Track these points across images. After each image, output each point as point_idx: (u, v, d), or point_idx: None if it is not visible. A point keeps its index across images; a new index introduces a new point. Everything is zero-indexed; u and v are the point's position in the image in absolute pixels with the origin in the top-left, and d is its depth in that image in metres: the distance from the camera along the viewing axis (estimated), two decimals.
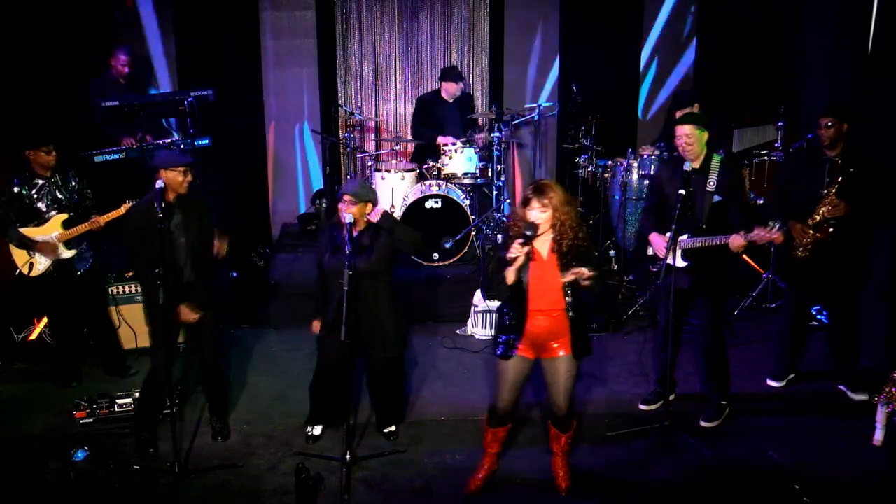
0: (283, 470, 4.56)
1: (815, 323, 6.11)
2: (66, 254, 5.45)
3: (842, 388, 5.36)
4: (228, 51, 7.70)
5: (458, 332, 6.48)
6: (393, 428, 4.94)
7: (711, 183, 4.72)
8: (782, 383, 5.50)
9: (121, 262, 6.06)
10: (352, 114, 7.87)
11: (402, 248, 4.73)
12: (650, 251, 4.97)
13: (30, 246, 5.34)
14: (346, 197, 4.49)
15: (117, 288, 5.98)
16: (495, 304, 4.31)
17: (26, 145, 5.33)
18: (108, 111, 6.17)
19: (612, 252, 7.50)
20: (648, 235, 4.95)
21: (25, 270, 5.40)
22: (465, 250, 6.97)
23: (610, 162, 7.26)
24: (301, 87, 8.12)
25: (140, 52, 7.38)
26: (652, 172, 6.85)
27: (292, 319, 6.39)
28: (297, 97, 8.15)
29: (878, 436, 4.66)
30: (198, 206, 4.74)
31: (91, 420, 5.03)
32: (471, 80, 8.28)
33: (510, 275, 3.96)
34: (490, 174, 7.22)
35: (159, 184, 4.42)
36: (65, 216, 5.42)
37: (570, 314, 4.04)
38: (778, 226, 4.50)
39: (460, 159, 7.07)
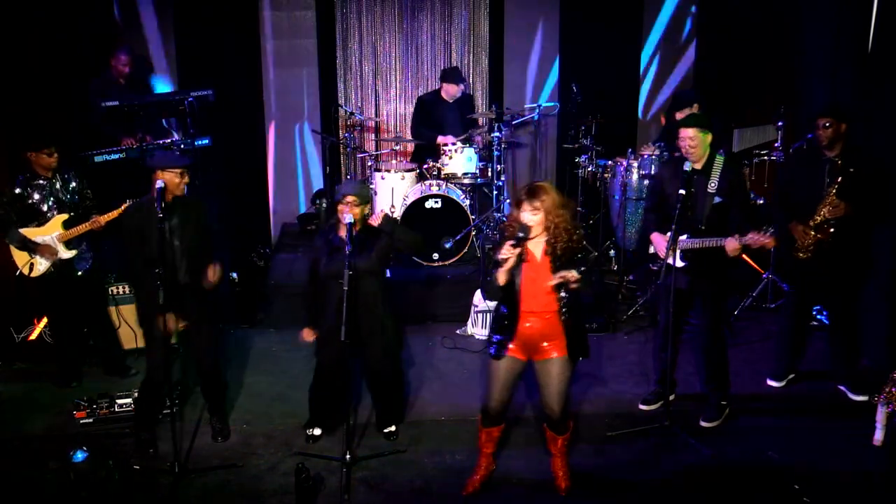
0: (283, 470, 4.56)
1: (815, 323, 6.11)
2: (67, 254, 5.45)
3: (842, 388, 5.36)
4: (228, 51, 7.70)
5: (457, 332, 6.48)
6: (393, 428, 4.94)
7: (713, 184, 4.72)
8: (782, 383, 5.51)
9: (120, 263, 6.06)
10: (352, 114, 7.87)
11: (402, 249, 4.75)
12: (651, 250, 4.98)
13: (31, 248, 5.34)
14: (349, 198, 4.49)
15: (117, 288, 5.98)
16: (494, 304, 4.31)
17: (28, 147, 5.33)
18: (108, 111, 6.17)
19: (612, 252, 7.51)
20: (650, 234, 4.96)
21: (26, 271, 5.40)
22: (465, 250, 6.97)
23: (610, 162, 7.26)
24: (301, 87, 8.12)
25: (140, 52, 7.38)
26: (652, 172, 6.87)
27: (292, 319, 6.35)
28: (297, 97, 8.14)
29: (878, 436, 4.66)
30: (194, 207, 4.74)
31: (91, 420, 5.03)
32: (471, 80, 8.28)
33: (500, 276, 3.97)
34: (490, 174, 7.22)
35: (159, 183, 4.41)
36: (65, 216, 5.42)
37: (563, 317, 4.03)
38: (772, 231, 4.49)
39: (460, 159, 7.07)
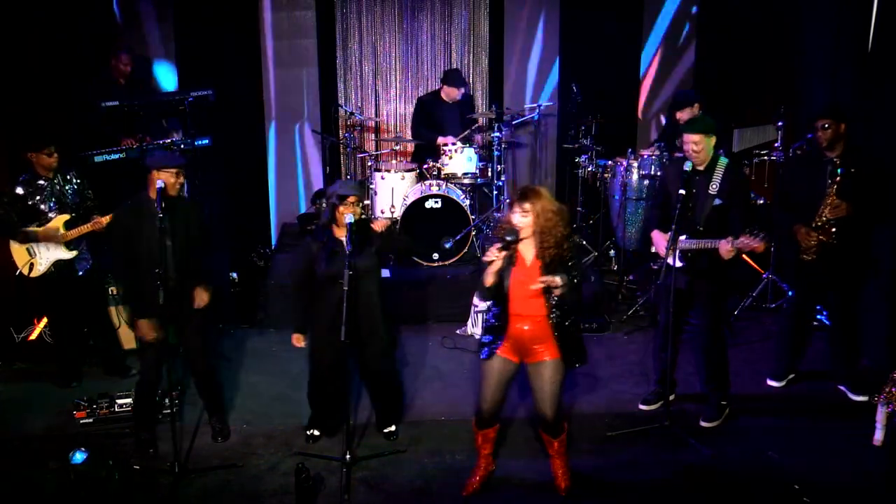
0: (283, 470, 4.56)
1: (815, 323, 6.11)
2: (68, 254, 5.45)
3: (842, 388, 5.36)
4: (228, 51, 7.69)
5: (458, 332, 6.48)
6: (393, 428, 4.94)
7: (714, 186, 4.72)
8: (782, 383, 5.51)
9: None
10: (352, 114, 7.87)
11: (395, 252, 4.74)
12: (653, 248, 4.99)
13: (33, 238, 5.33)
14: (350, 199, 4.48)
15: (117, 288, 5.98)
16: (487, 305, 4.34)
17: (28, 147, 5.33)
18: (108, 111, 6.16)
19: (612, 252, 7.51)
20: (651, 232, 4.96)
21: (25, 271, 5.40)
22: (465, 250, 6.97)
23: (610, 162, 7.26)
24: (301, 87, 8.12)
25: (140, 52, 7.38)
26: (652, 172, 6.88)
27: (292, 319, 6.38)
28: (297, 97, 8.14)
29: (878, 436, 4.66)
30: (189, 208, 4.73)
31: (91, 420, 5.04)
32: (471, 80, 8.27)
33: (487, 277, 3.98)
34: (490, 174, 7.22)
35: (160, 183, 4.41)
36: (66, 217, 5.42)
37: (552, 321, 4.02)
38: (762, 235, 4.49)
39: (460, 159, 7.06)
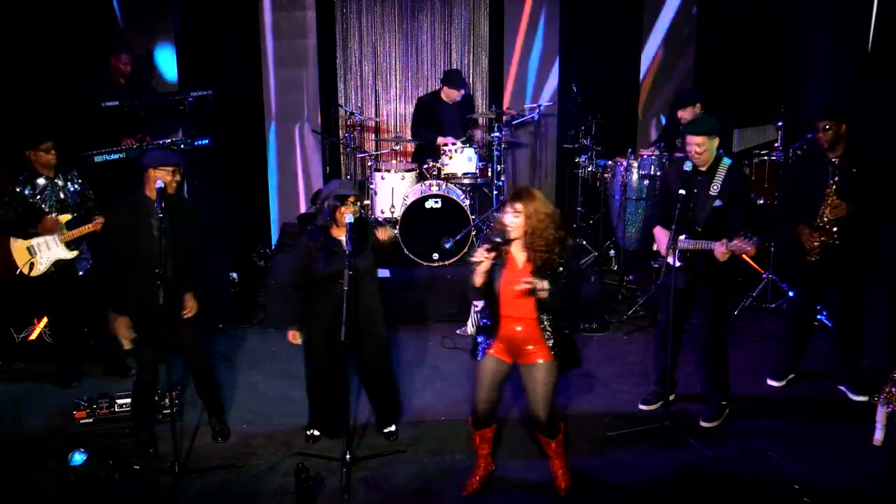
0: (283, 470, 4.56)
1: (815, 323, 6.11)
2: (68, 254, 5.45)
3: (842, 388, 5.36)
4: (228, 51, 7.69)
5: (458, 332, 6.48)
6: (393, 427, 4.94)
7: (715, 187, 4.72)
8: (782, 383, 5.51)
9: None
10: (352, 114, 7.87)
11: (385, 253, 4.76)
12: (655, 246, 4.99)
13: (34, 232, 5.32)
14: (351, 199, 4.49)
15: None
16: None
17: (26, 146, 5.33)
18: (108, 111, 6.16)
19: (612, 252, 7.51)
20: (654, 229, 4.96)
21: (26, 270, 5.40)
22: (465, 250, 6.97)
23: (610, 162, 7.26)
24: (301, 87, 8.12)
25: (140, 52, 7.38)
26: (652, 172, 6.89)
27: (291, 316, 6.37)
28: (297, 97, 8.14)
29: (878, 436, 4.66)
30: (187, 207, 4.73)
31: (91, 420, 5.04)
32: (471, 80, 8.27)
33: (476, 277, 3.98)
34: (490, 174, 7.22)
35: (159, 183, 4.41)
36: (67, 217, 5.42)
37: (541, 324, 4.01)
38: (755, 239, 4.49)
39: (460, 159, 7.06)
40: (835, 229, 5.01)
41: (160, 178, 4.47)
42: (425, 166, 7.24)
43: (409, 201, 6.84)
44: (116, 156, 6.20)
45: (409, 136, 7.93)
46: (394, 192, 7.10)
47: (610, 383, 5.61)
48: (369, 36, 8.21)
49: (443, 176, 7.07)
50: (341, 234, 4.50)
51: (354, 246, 4.37)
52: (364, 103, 8.33)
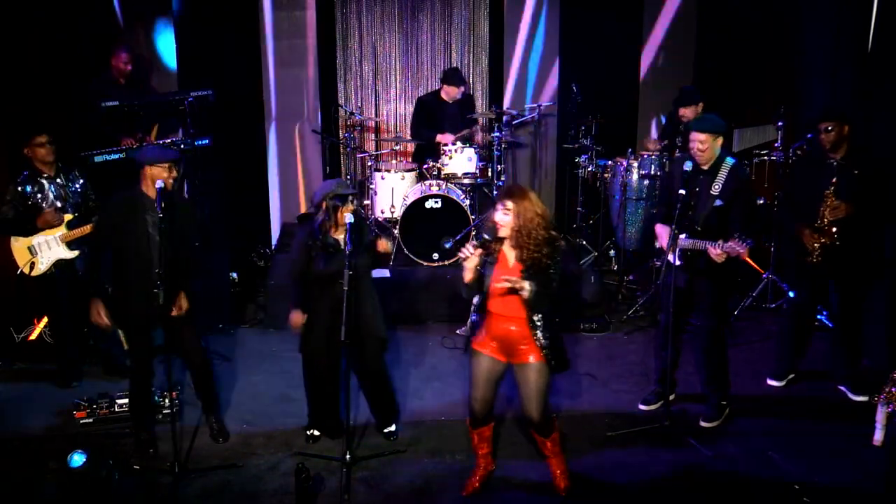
0: (283, 470, 4.56)
1: (815, 323, 6.11)
2: (69, 254, 5.45)
3: (842, 388, 5.36)
4: (228, 51, 7.69)
5: (458, 332, 6.47)
6: (393, 427, 4.93)
7: (716, 187, 4.71)
8: (782, 383, 5.51)
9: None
10: (352, 114, 7.87)
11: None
12: (657, 243, 4.99)
13: (33, 227, 5.32)
14: (351, 197, 4.49)
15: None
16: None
17: (23, 144, 5.33)
18: (108, 111, 6.16)
19: (612, 252, 7.52)
20: (656, 225, 4.97)
21: (27, 270, 5.40)
22: None
23: (610, 162, 7.27)
24: (301, 87, 8.12)
25: (140, 52, 7.38)
26: (652, 172, 6.89)
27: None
28: (297, 97, 8.14)
29: (878, 436, 4.66)
30: (183, 207, 4.72)
31: (91, 420, 5.04)
32: (471, 80, 8.27)
33: (466, 274, 4.00)
34: (490, 174, 7.22)
35: (159, 183, 4.41)
36: (69, 216, 5.42)
37: (529, 323, 4.00)
38: (749, 242, 4.48)
39: (460, 159, 7.06)
40: (834, 230, 5.01)
41: (157, 175, 4.47)
42: (425, 166, 7.24)
43: (409, 201, 6.84)
44: (116, 156, 6.20)
45: (408, 136, 7.93)
46: (394, 192, 7.10)
47: (610, 383, 5.61)
48: (369, 36, 8.21)
49: (443, 176, 7.07)
50: (340, 234, 4.50)
51: (354, 246, 4.36)
52: (364, 103, 8.33)
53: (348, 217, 4.38)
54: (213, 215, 6.87)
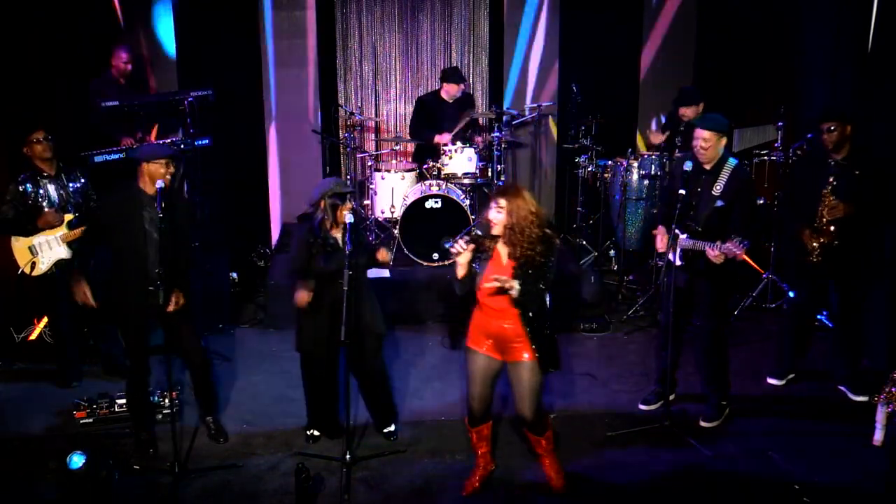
0: (283, 470, 4.56)
1: (815, 323, 6.11)
2: (70, 254, 5.44)
3: (842, 388, 5.36)
4: (228, 51, 7.69)
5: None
6: (392, 427, 4.93)
7: (718, 187, 4.70)
8: (782, 381, 5.51)
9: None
10: (352, 114, 7.86)
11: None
12: (657, 244, 4.99)
13: (34, 227, 5.32)
14: (349, 196, 4.49)
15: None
16: None
17: (22, 143, 5.34)
18: (108, 111, 6.16)
19: (612, 252, 7.52)
20: (658, 225, 4.97)
21: (28, 270, 5.40)
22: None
23: (610, 162, 7.27)
24: (301, 87, 8.12)
25: (140, 53, 7.38)
26: (652, 172, 6.89)
27: (292, 319, 6.38)
28: (297, 97, 8.14)
29: (878, 436, 4.66)
30: (182, 206, 4.71)
31: (91, 420, 5.04)
32: (471, 80, 8.27)
33: (458, 269, 4.03)
34: (490, 174, 7.22)
35: (159, 184, 4.40)
36: (70, 216, 5.42)
37: (521, 320, 4.00)
38: (745, 244, 4.48)
39: (460, 159, 7.06)
40: (832, 228, 5.01)
41: (155, 172, 4.47)
42: (425, 166, 7.24)
43: (409, 201, 6.84)
44: (116, 156, 6.21)
45: (408, 136, 7.93)
46: (394, 192, 7.10)
47: (610, 383, 5.61)
48: (369, 36, 8.21)
49: (443, 176, 7.07)
50: (338, 233, 4.51)
51: (354, 246, 4.36)
52: (364, 103, 8.33)
53: (348, 217, 4.38)
54: (213, 215, 6.87)
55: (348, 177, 7.90)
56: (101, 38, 6.94)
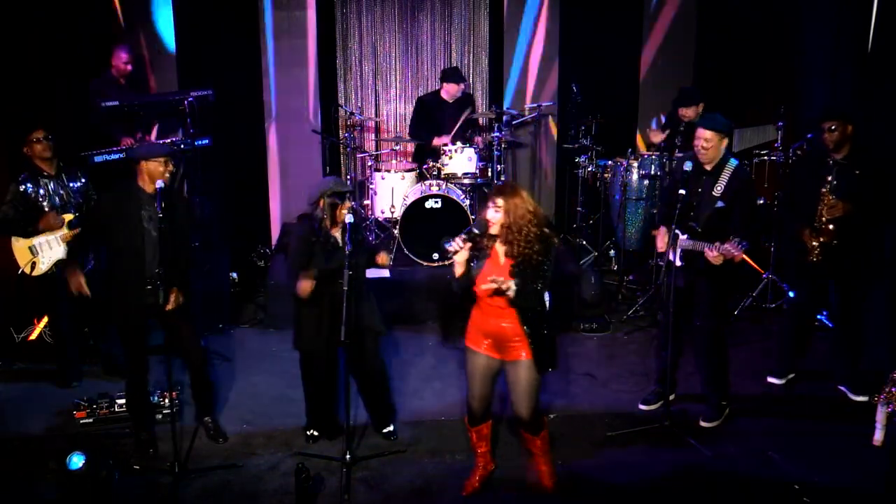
0: (283, 470, 4.56)
1: (815, 323, 6.12)
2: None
3: (842, 388, 5.36)
4: (228, 51, 7.69)
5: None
6: (391, 427, 4.93)
7: (718, 188, 4.70)
8: (782, 381, 5.51)
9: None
10: (352, 114, 7.87)
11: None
12: (657, 244, 4.99)
13: (34, 228, 5.32)
14: (348, 195, 4.49)
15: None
16: None
17: (22, 143, 5.34)
18: (108, 111, 6.16)
19: (612, 252, 7.52)
20: (658, 227, 4.97)
21: (28, 270, 5.40)
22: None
23: (610, 162, 7.27)
24: (301, 87, 8.12)
25: (140, 53, 7.38)
26: (652, 172, 6.89)
27: (292, 319, 6.37)
28: (298, 97, 8.14)
29: (878, 436, 4.65)
30: (179, 204, 4.70)
31: (91, 420, 5.04)
32: (471, 80, 8.27)
33: (455, 267, 4.04)
34: (490, 174, 7.22)
35: (159, 184, 4.41)
36: (70, 216, 5.42)
37: (521, 321, 4.00)
38: (744, 245, 4.48)
39: (460, 159, 7.06)
40: (831, 227, 5.01)
41: (153, 170, 4.47)
42: (425, 166, 7.25)
43: (409, 201, 6.84)
44: (116, 156, 6.21)
45: (408, 136, 7.93)
46: (394, 192, 7.10)
47: (610, 383, 5.61)
48: (369, 36, 8.20)
49: (443, 176, 7.07)
50: (337, 232, 4.51)
51: (354, 246, 4.36)
52: (364, 103, 8.33)
53: (349, 217, 4.37)
54: (213, 215, 6.87)
55: (348, 177, 7.90)
56: (101, 38, 6.95)
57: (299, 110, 8.17)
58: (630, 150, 7.21)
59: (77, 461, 4.10)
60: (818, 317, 6.08)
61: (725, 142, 4.73)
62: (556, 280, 4.09)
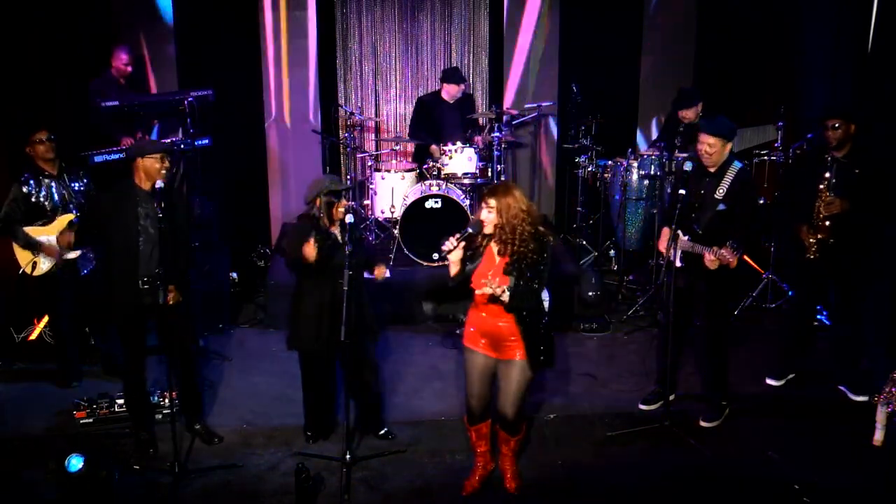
0: (283, 470, 4.56)
1: (815, 324, 6.12)
2: (72, 254, 5.44)
3: (842, 388, 5.36)
4: (228, 51, 7.70)
5: (457, 331, 6.45)
6: (386, 429, 4.93)
7: (721, 191, 4.69)
8: (781, 382, 5.51)
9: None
10: (352, 114, 7.87)
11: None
12: (658, 245, 5.00)
13: (35, 247, 5.33)
14: (344, 193, 4.49)
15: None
16: None
17: (24, 143, 5.34)
18: (108, 111, 6.16)
19: (612, 252, 7.52)
20: (662, 227, 4.97)
21: (28, 269, 5.40)
22: None
23: (610, 162, 7.27)
24: (301, 87, 8.12)
25: (140, 53, 7.39)
26: (652, 172, 6.89)
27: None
28: (297, 97, 8.14)
29: (878, 436, 4.66)
30: (178, 203, 4.70)
31: (91, 420, 5.03)
32: (471, 80, 8.27)
33: (450, 267, 4.04)
34: (490, 174, 7.22)
35: (159, 184, 4.41)
36: (71, 216, 5.42)
37: (518, 320, 4.00)
38: (740, 250, 4.49)
39: (460, 159, 7.06)
40: (828, 224, 5.01)
41: (150, 167, 4.46)
42: (425, 166, 7.24)
43: (408, 201, 6.84)
44: (116, 156, 6.21)
45: (408, 136, 7.93)
46: (394, 192, 7.10)
47: (610, 383, 5.61)
48: (369, 36, 8.20)
49: (443, 176, 7.07)
50: (335, 230, 4.51)
51: (354, 246, 4.36)
52: (364, 103, 8.33)
53: (349, 218, 4.37)
54: (213, 215, 6.87)
55: (348, 177, 7.90)
56: (101, 38, 6.95)
57: (299, 110, 8.18)
58: (630, 150, 7.20)
59: (76, 463, 4.09)
60: (818, 317, 6.09)
61: (729, 146, 4.72)
62: (556, 280, 4.09)
